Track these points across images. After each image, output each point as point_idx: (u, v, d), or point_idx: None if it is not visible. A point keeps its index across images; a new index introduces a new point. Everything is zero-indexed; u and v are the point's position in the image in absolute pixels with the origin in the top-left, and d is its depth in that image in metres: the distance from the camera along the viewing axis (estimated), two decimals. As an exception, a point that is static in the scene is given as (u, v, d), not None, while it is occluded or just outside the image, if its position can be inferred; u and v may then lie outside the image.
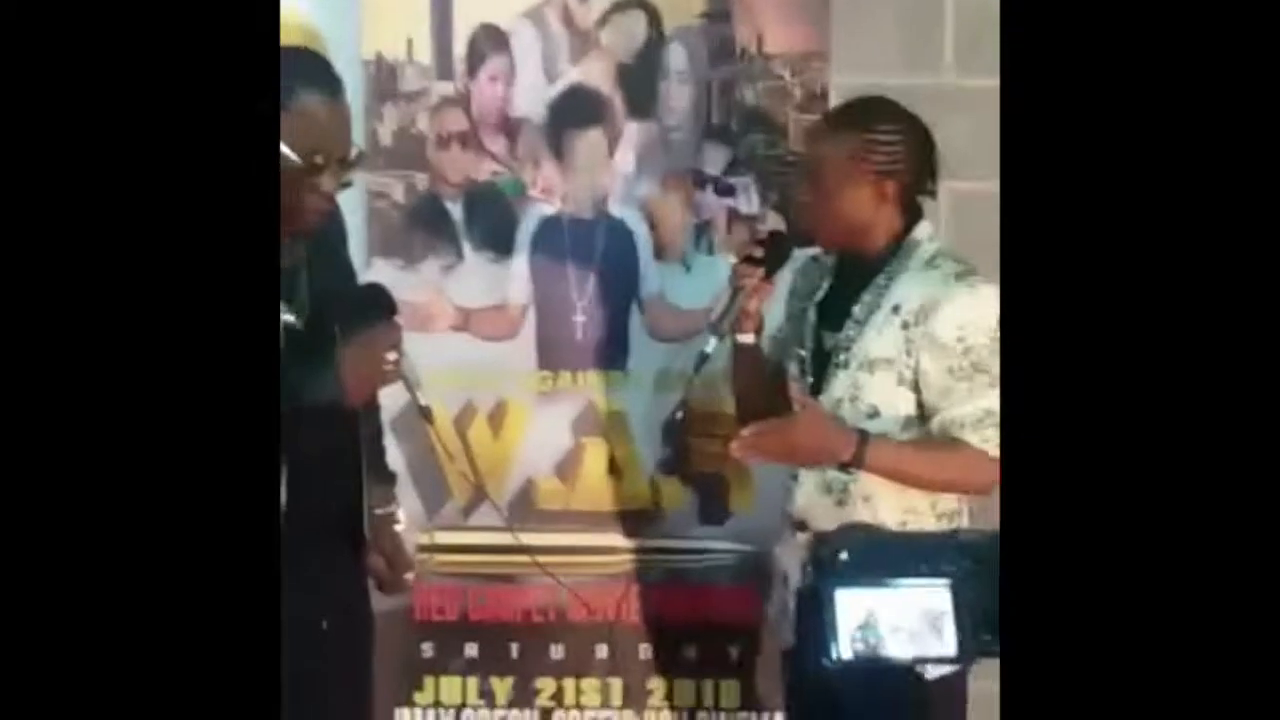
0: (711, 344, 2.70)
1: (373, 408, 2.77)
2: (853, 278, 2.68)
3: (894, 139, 2.62)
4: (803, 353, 2.72)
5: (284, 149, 2.40)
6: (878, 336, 2.60)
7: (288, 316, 2.51)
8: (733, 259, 2.83)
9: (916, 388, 2.59)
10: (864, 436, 2.54)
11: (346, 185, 2.55)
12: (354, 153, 2.51)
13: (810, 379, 2.69)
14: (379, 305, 2.55)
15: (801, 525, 2.67)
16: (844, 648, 1.92)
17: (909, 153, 2.62)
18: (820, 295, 2.74)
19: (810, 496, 2.67)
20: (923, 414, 2.59)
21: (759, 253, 2.72)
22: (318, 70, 2.49)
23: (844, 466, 2.54)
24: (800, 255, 2.82)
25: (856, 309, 2.64)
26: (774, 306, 2.83)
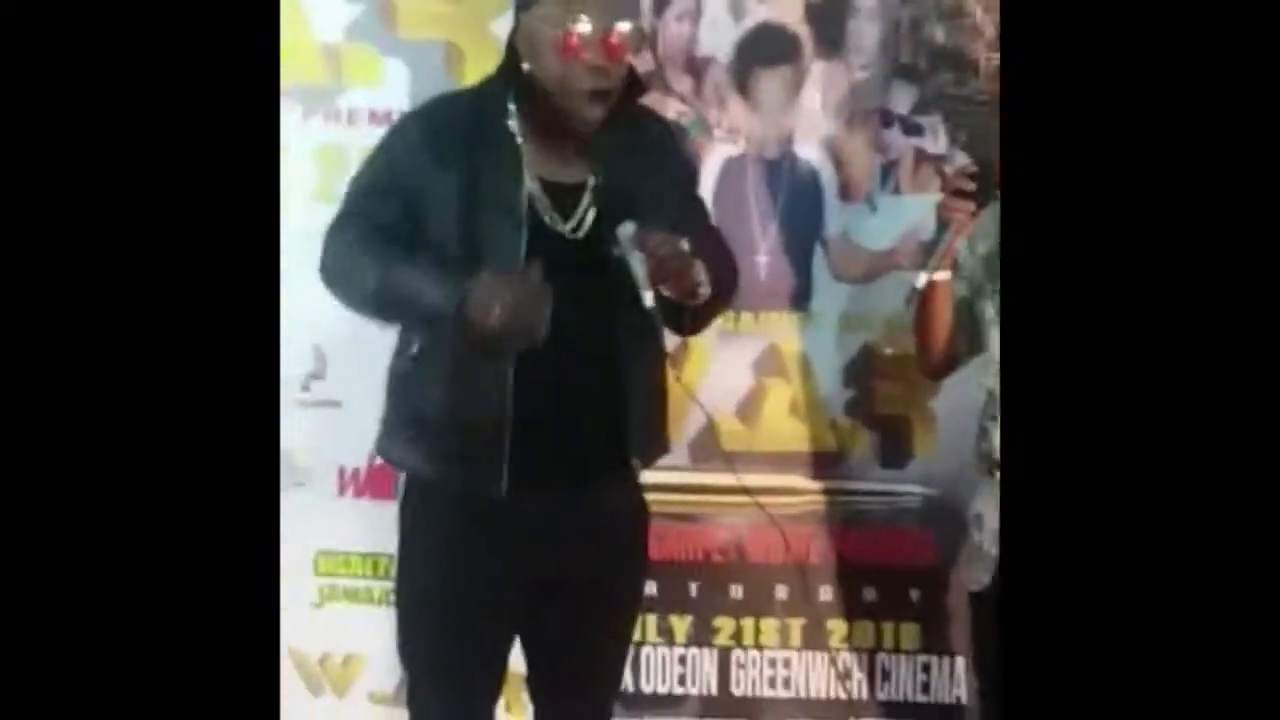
0: (922, 279, 2.68)
1: None
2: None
3: None
4: (997, 292, 2.69)
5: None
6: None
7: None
8: (938, 195, 2.79)
9: None
10: None
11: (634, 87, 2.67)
12: (626, 27, 2.58)
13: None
14: None
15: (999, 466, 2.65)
16: None
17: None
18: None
19: (1009, 437, 2.64)
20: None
21: (970, 186, 2.69)
22: None
23: None
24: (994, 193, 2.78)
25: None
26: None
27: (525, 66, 2.60)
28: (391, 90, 3.47)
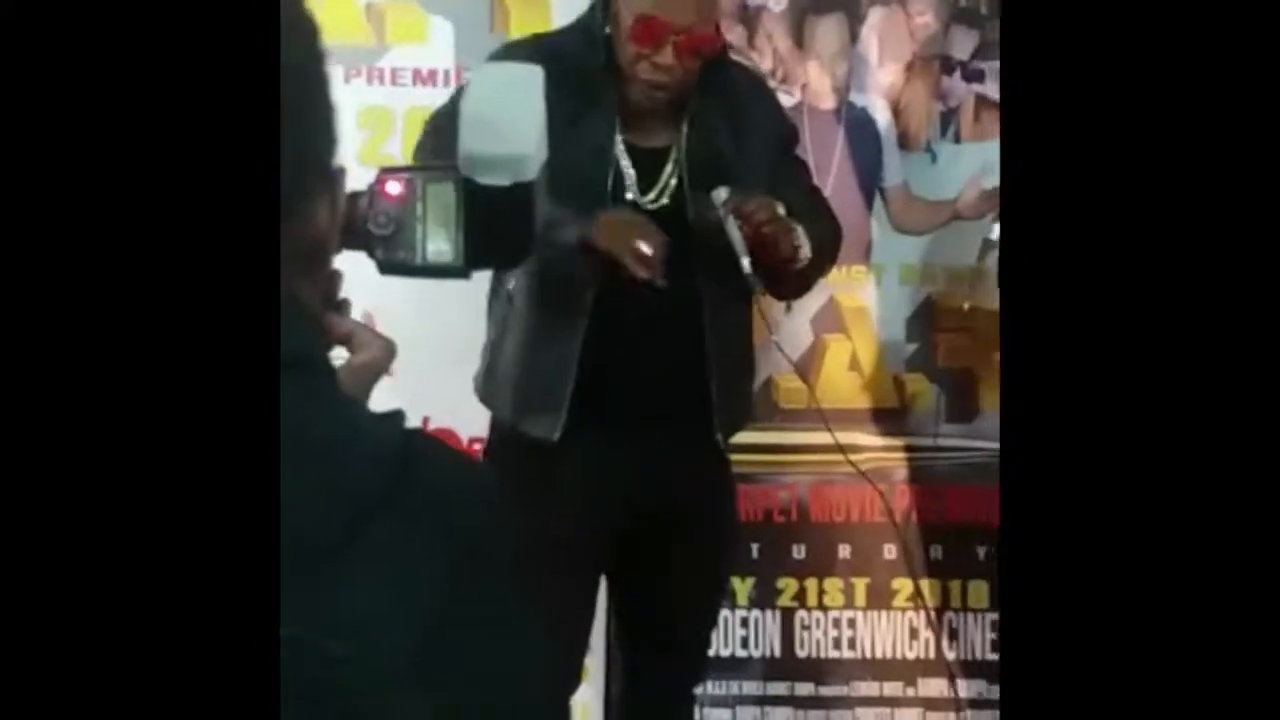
0: (995, 231, 2.62)
1: None
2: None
3: None
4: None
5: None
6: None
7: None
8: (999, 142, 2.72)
9: None
10: None
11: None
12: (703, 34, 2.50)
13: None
14: None
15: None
16: None
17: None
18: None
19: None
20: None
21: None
22: None
23: None
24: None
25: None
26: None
27: (607, 30, 2.51)
28: (436, 49, 3.39)
